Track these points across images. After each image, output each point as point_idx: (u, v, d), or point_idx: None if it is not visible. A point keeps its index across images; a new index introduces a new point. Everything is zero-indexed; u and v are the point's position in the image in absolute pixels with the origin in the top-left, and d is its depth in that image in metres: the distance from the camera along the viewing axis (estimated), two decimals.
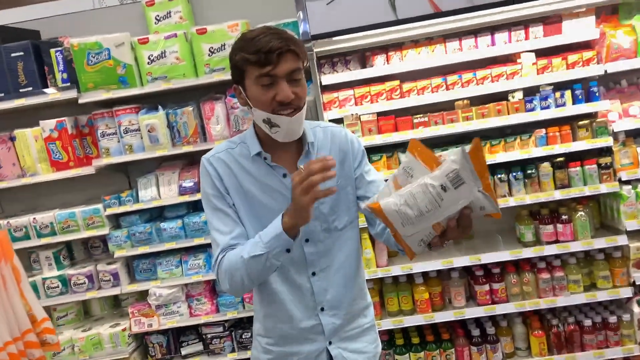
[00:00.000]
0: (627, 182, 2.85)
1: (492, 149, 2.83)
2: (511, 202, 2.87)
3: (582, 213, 2.86)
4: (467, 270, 3.07)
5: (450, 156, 1.05)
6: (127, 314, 3.21)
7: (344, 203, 1.52)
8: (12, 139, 3.11)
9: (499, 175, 2.87)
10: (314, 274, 1.50)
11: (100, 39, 2.91)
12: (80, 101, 2.94)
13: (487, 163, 1.08)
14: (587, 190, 2.83)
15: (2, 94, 2.98)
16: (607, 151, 2.88)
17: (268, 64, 1.29)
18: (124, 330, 3.15)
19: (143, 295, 3.30)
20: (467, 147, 1.05)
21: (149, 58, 2.95)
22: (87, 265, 3.24)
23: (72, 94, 2.93)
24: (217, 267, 1.42)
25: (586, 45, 2.89)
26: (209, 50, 2.95)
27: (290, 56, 1.31)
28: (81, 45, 2.90)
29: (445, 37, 2.80)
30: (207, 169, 1.47)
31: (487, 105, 2.80)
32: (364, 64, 2.96)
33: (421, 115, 2.82)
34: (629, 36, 2.77)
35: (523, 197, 2.87)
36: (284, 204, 1.35)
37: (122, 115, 3.02)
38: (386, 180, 1.25)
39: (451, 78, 2.78)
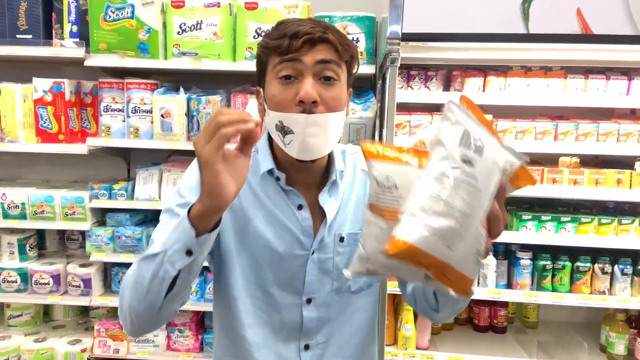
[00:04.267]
0: None
1: (600, 227, 2.12)
2: (611, 302, 2.15)
3: None
4: None
5: (439, 124, 0.71)
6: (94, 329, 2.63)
7: None
8: None
9: (601, 265, 2.16)
10: (307, 347, 1.16)
11: None
12: (86, 63, 2.36)
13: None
14: None
15: None
16: None
17: (290, 50, 0.99)
18: (83, 350, 2.58)
19: (116, 312, 2.68)
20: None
21: (180, 27, 2.37)
22: (56, 263, 2.64)
23: (78, 52, 2.35)
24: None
25: None
26: (256, 31, 2.36)
27: (325, 47, 1.00)
28: None
29: (567, 70, 2.10)
30: None
31: (604, 171, 2.10)
32: (447, 85, 2.27)
33: None
34: None
35: (627, 299, 2.15)
36: (292, 245, 1.10)
37: (134, 90, 2.46)
38: None
39: (564, 125, 2.08)
